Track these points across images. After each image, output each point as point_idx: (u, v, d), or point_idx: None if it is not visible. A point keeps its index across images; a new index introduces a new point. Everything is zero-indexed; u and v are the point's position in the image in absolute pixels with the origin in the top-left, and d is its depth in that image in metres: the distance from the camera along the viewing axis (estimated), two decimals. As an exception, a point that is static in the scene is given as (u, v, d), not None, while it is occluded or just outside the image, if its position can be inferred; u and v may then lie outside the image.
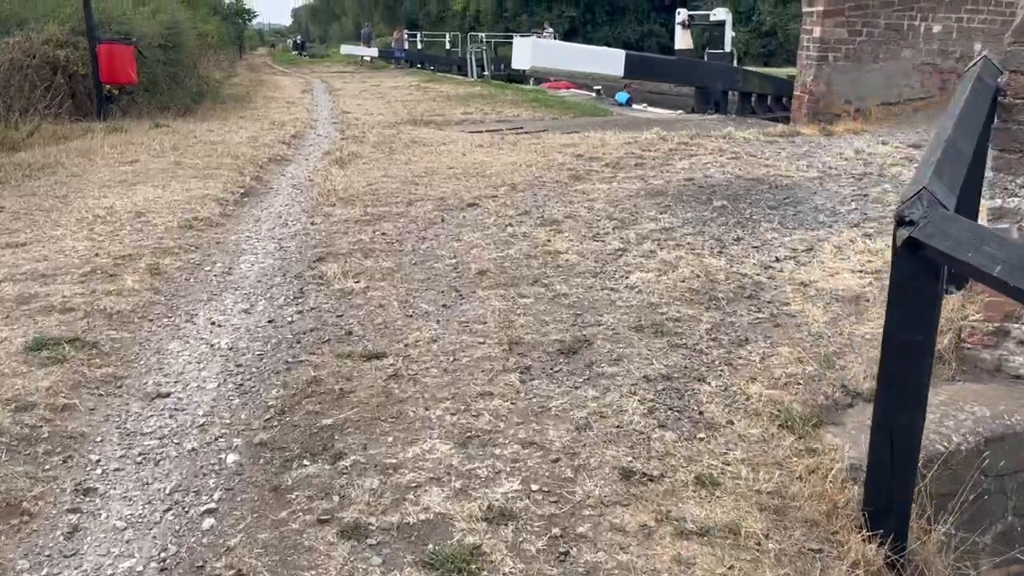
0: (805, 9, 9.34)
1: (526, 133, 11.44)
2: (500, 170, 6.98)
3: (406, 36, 41.05)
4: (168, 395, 3.24)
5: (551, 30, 42.29)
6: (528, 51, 11.04)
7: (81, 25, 11.47)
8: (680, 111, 16.96)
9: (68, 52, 11.54)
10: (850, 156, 6.86)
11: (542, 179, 6.60)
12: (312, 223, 5.71)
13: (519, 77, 39.66)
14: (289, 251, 5.10)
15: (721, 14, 14.09)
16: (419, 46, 40.95)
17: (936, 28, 9.44)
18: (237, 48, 64.01)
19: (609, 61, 11.96)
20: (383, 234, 5.32)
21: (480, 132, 11.55)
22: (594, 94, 18.31)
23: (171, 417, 3.05)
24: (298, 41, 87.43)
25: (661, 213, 5.40)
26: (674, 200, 5.72)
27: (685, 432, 2.84)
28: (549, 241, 4.92)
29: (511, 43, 44.92)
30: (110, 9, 13.82)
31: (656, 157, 7.15)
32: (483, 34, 44.17)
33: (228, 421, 3.01)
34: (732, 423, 2.90)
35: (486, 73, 28.14)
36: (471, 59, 28.82)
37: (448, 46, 41.68)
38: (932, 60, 9.57)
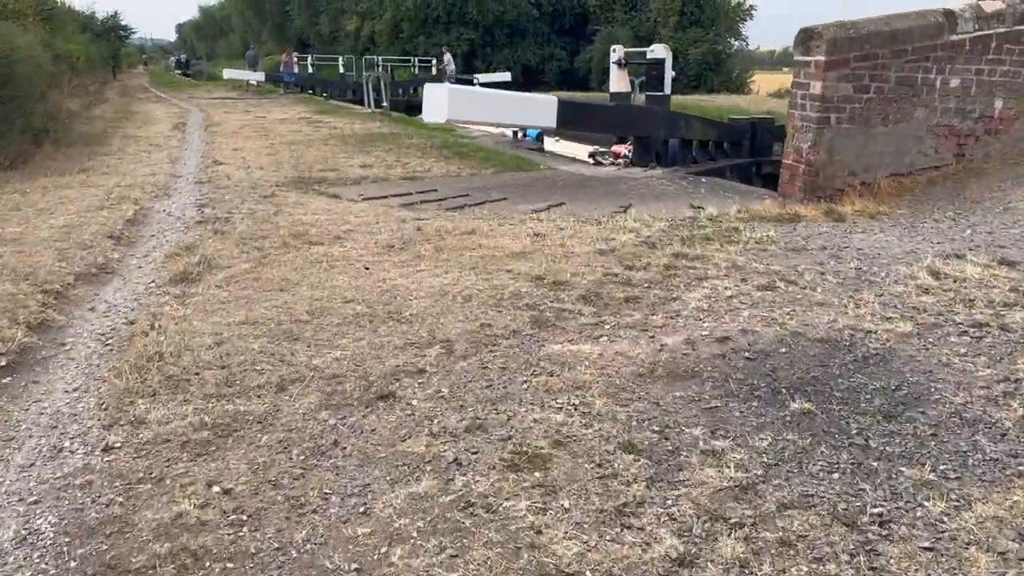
0: (799, 57, 7.38)
1: (439, 201, 9.14)
2: (424, 307, 4.64)
3: (295, 59, 38.22)
4: None
5: (450, 55, 40.26)
6: (443, 102, 8.75)
7: None
8: (596, 147, 15.00)
9: None
10: (928, 282, 4.80)
11: (490, 329, 4.30)
12: (106, 447, 3.26)
13: (418, 103, 37.37)
14: (40, 547, 2.65)
15: (660, 51, 12.17)
16: (310, 69, 38.15)
17: (954, 82, 7.64)
18: (111, 68, 59.68)
19: (539, 110, 9.79)
20: (225, 492, 2.92)
21: (386, 198, 9.18)
22: (510, 135, 16.18)
23: None
24: (181, 59, 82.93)
25: (714, 434, 3.16)
26: (720, 392, 3.50)
27: None
28: (539, 533, 2.62)
29: (408, 66, 42.69)
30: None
31: (650, 281, 4.94)
32: (379, 58, 41.72)
33: None
34: None
35: (385, 104, 25.68)
36: (367, 87, 26.29)
37: (342, 70, 39.09)
38: (948, 120, 7.76)
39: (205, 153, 14.29)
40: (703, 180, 10.81)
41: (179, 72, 70.27)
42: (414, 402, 3.55)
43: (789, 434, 3.15)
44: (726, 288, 4.75)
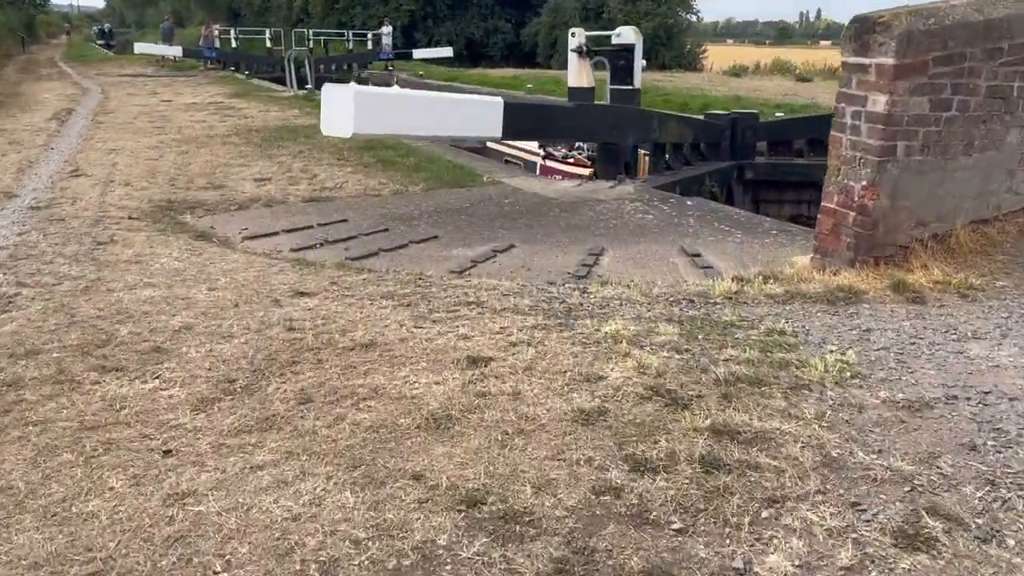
0: (851, 58, 5.12)
1: (345, 242, 6.76)
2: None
3: (216, 32, 34.97)
4: None
5: (389, 28, 37.42)
6: (348, 109, 6.31)
7: None
8: (547, 149, 12.71)
9: None
10: None
11: None
12: None
13: (354, 83, 34.36)
14: None
15: (629, 35, 9.84)
16: (233, 44, 34.87)
17: (1059, 92, 5.46)
18: (21, 40, 55.09)
19: (479, 116, 7.41)
20: None
21: (276, 236, 6.76)
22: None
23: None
24: (105, 29, 77.67)
25: None
26: None
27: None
28: None
29: (342, 40, 39.58)
30: None
31: (682, 507, 2.58)
32: (310, 31, 38.62)
33: None
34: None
35: (309, 85, 22.88)
36: (289, 66, 23.43)
37: (269, 44, 35.87)
38: (1048, 146, 5.60)
39: (72, 156, 11.58)
40: (688, 202, 8.56)
41: (101, 43, 65.41)
42: None
43: None
44: (830, 535, 2.46)
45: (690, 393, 3.30)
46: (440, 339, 4.03)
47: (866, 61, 5.03)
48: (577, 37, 9.94)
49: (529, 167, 12.89)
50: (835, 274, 5.26)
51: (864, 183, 5.13)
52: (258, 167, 10.48)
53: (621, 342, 3.86)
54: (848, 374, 3.53)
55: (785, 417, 3.11)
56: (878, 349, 3.91)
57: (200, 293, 5.10)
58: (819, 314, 4.52)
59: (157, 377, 3.74)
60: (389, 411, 3.25)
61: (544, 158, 12.73)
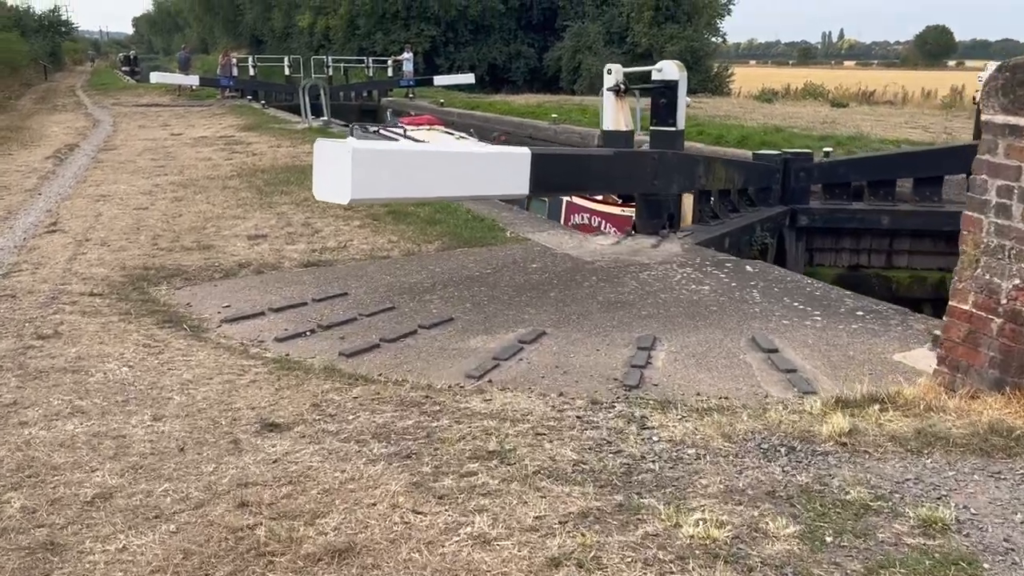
0: (996, 117, 3.85)
1: (342, 327, 5.56)
2: None
3: (234, 60, 34.25)
4: None
5: (410, 55, 36.55)
6: (345, 170, 5.12)
7: None
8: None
9: None
10: None
11: None
12: None
13: (372, 108, 33.39)
14: None
15: (672, 71, 8.60)
16: (251, 71, 34.06)
17: None
18: (44, 68, 54.85)
19: (503, 171, 6.21)
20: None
21: (261, 318, 5.55)
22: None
23: None
24: (131, 56, 77.72)
25: None
26: None
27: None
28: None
29: (363, 66, 38.53)
30: None
31: None
32: (329, 58, 37.83)
33: None
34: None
35: (325, 117, 21.84)
36: (303, 96, 22.43)
37: (288, 71, 35.07)
38: None
39: (56, 205, 10.53)
40: (748, 268, 7.30)
41: (126, 70, 65.15)
42: None
43: None
44: None
45: None
46: (447, 543, 2.77)
47: (1020, 121, 3.77)
48: (614, 74, 8.71)
49: (556, 203, 11.69)
50: (973, 398, 3.98)
51: (1017, 282, 3.85)
52: (255, 220, 9.35)
53: (717, 561, 2.60)
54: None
55: None
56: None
57: (140, 428, 3.90)
58: (977, 478, 3.24)
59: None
60: None
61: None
